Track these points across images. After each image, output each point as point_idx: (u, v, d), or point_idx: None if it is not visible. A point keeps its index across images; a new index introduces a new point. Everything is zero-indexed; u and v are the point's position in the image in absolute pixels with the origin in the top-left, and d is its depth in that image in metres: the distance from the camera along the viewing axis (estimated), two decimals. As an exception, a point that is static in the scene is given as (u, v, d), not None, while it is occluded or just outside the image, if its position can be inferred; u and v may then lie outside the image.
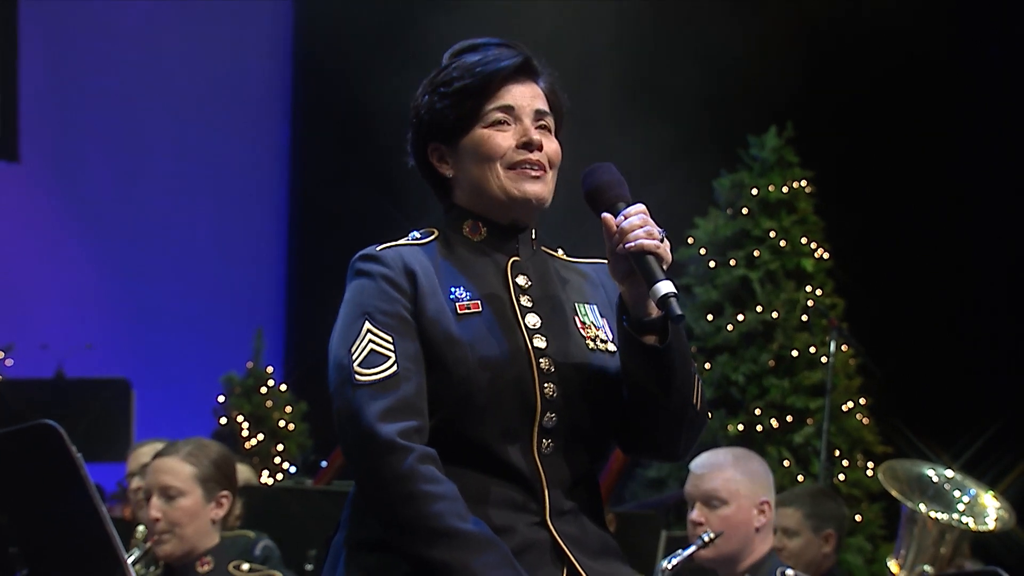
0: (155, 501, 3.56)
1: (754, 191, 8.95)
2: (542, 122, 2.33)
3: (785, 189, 8.95)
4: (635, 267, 2.18)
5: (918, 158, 9.68)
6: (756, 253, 8.82)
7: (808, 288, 8.78)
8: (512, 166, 2.29)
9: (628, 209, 2.21)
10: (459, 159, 2.32)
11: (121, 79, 11.41)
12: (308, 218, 12.12)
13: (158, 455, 3.65)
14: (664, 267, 2.16)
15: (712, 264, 8.91)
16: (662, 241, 2.18)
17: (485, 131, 2.30)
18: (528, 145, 2.30)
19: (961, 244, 9.63)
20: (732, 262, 8.85)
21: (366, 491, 2.18)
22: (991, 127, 9.78)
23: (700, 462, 3.81)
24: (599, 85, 8.59)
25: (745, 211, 8.94)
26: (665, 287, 2.12)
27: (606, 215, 2.22)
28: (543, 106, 2.35)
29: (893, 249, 9.64)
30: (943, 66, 9.69)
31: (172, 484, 3.56)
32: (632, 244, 2.17)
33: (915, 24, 9.56)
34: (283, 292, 12.37)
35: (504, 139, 2.30)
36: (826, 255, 8.95)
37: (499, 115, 2.30)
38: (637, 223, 2.18)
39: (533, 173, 2.30)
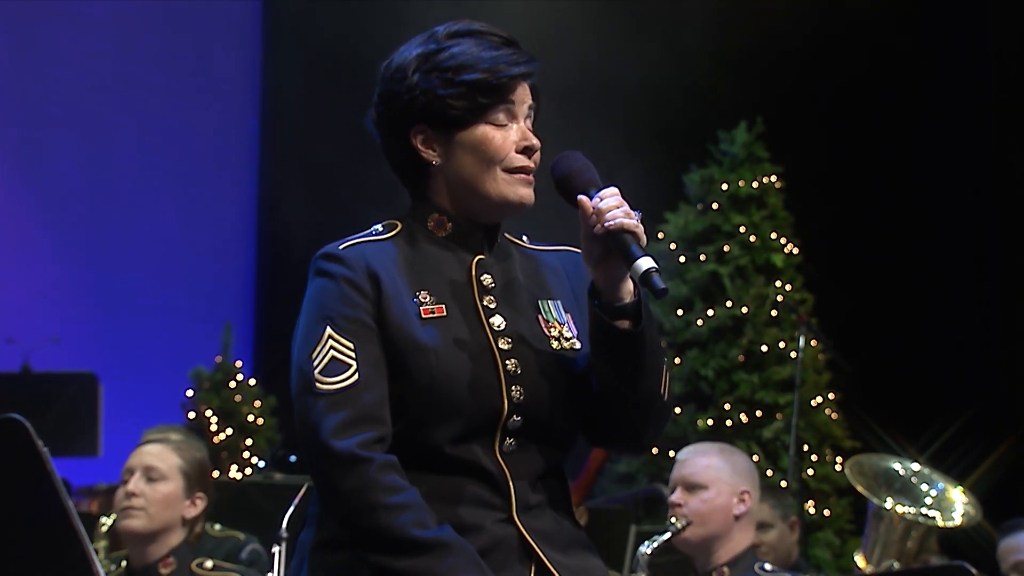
0: (137, 477, 3.64)
1: (724, 186, 8.97)
2: (530, 120, 2.31)
3: (755, 184, 8.97)
4: (613, 246, 2.17)
5: (887, 153, 9.73)
6: (726, 248, 8.84)
7: (777, 283, 8.81)
8: (511, 170, 2.27)
9: (603, 191, 2.21)
10: (451, 150, 2.26)
11: (88, 70, 11.32)
12: (277, 211, 12.06)
13: (149, 440, 3.76)
14: (642, 246, 2.17)
15: (682, 259, 8.92)
16: (639, 222, 2.18)
17: (488, 129, 2.25)
18: (529, 150, 2.28)
19: (929, 239, 9.68)
20: (702, 257, 8.87)
21: (327, 503, 2.17)
22: (959, 121, 9.84)
23: (686, 450, 3.92)
24: (569, 79, 8.57)
25: (715, 206, 8.96)
26: (647, 262, 2.12)
27: (582, 197, 2.21)
28: (532, 101, 2.32)
29: (862, 244, 9.68)
30: (911, 60, 9.74)
31: (158, 466, 3.66)
32: (612, 223, 2.16)
33: (883, 18, 9.60)
34: (252, 286, 12.31)
35: (505, 140, 2.26)
36: (795, 250, 8.98)
37: (503, 115, 2.27)
38: (614, 203, 2.19)
39: (529, 179, 2.29)
